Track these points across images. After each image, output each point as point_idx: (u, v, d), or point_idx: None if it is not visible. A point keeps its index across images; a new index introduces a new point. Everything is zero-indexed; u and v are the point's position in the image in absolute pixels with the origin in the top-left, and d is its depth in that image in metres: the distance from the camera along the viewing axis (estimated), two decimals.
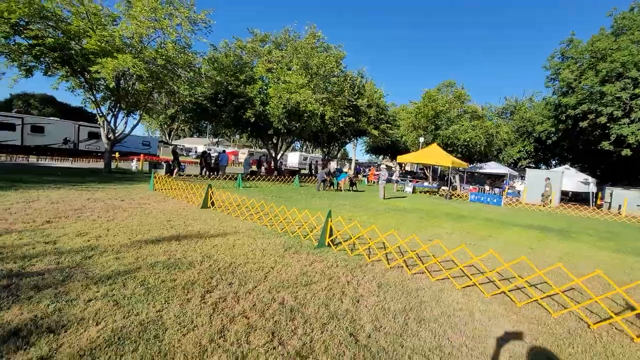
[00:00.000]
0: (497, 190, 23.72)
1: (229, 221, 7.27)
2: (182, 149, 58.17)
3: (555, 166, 29.55)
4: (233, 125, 22.76)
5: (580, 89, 19.29)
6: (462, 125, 22.78)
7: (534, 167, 29.18)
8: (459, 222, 10.10)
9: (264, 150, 28.91)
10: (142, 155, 26.05)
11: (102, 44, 12.50)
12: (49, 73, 13.86)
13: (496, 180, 27.87)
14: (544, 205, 17.89)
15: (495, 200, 18.10)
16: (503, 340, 3.08)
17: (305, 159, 46.70)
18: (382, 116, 28.24)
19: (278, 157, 26.35)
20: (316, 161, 38.18)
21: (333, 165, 49.67)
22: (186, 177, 17.23)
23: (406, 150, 28.24)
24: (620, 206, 17.43)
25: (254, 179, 20.07)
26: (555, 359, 2.84)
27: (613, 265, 6.37)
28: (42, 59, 13.12)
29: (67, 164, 21.34)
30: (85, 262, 4.03)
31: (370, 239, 5.89)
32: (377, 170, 27.72)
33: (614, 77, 18.07)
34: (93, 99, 15.37)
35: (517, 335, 3.18)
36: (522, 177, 25.39)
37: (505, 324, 3.40)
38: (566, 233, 9.80)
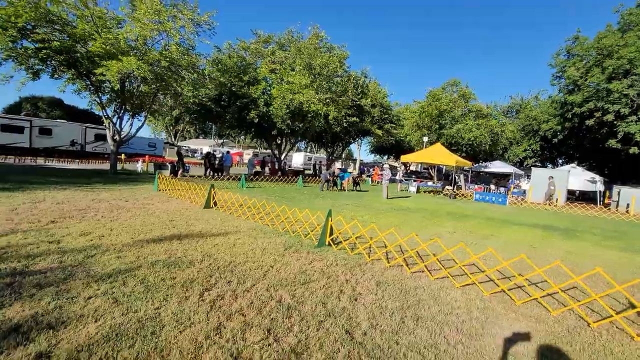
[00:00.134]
0: (502, 189, 23.52)
1: (230, 221, 7.32)
2: (187, 150, 58.66)
3: (562, 165, 29.21)
4: (237, 126, 22.89)
5: (586, 86, 19.04)
6: (467, 124, 22.63)
7: (540, 166, 28.92)
8: (461, 222, 10.05)
9: (268, 151, 29.02)
10: (147, 156, 26.30)
11: (107, 47, 12.66)
12: (56, 76, 14.07)
13: (502, 179, 27.65)
14: (547, 204, 17.72)
15: (500, 200, 17.95)
16: (499, 338, 3.06)
17: (310, 159, 46.71)
18: (386, 116, 28.16)
19: (282, 158, 26.42)
20: (320, 161, 38.19)
21: (338, 165, 49.69)
22: (189, 178, 17.36)
23: (410, 150, 28.14)
24: (628, 205, 17.17)
25: (257, 180, 20.16)
26: (552, 357, 2.82)
27: (619, 264, 6.30)
28: (48, 62, 13.34)
29: (73, 165, 21.64)
30: (87, 261, 4.10)
31: (370, 238, 5.89)
32: (380, 170, 27.66)
33: (620, 74, 17.82)
34: (99, 101, 15.57)
35: (514, 333, 3.17)
36: (528, 176, 25.14)
37: (503, 322, 3.38)
38: (571, 232, 9.70)
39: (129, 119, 17.02)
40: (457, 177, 25.31)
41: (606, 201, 22.73)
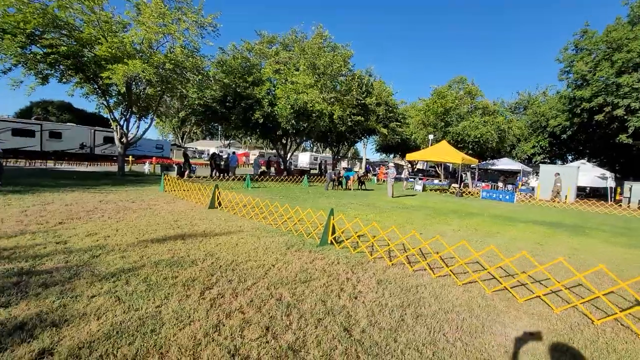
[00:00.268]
0: (510, 187, 23.24)
1: (234, 221, 7.38)
2: (194, 151, 59.21)
3: (571, 161, 28.72)
4: (242, 127, 23.00)
5: (595, 80, 18.67)
6: (473, 121, 22.38)
7: (549, 163, 28.46)
8: (466, 219, 9.96)
9: (274, 151, 29.15)
10: (154, 158, 26.61)
11: (113, 51, 12.86)
12: (64, 80, 14.35)
13: (509, 176, 27.30)
14: (553, 201, 17.47)
15: (507, 197, 17.75)
16: (500, 335, 3.04)
17: (316, 159, 46.79)
18: (391, 114, 28.01)
19: (287, 158, 26.49)
20: (325, 161, 38.19)
21: (344, 164, 49.65)
22: (195, 179, 17.51)
23: (417, 148, 27.96)
24: None
25: (263, 180, 20.25)
26: (552, 354, 2.79)
27: (627, 261, 6.19)
28: (56, 67, 13.60)
29: (82, 168, 22.01)
30: (92, 261, 4.18)
31: (373, 236, 5.88)
32: (386, 169, 27.52)
33: (630, 67, 17.44)
34: (106, 104, 15.83)
35: (515, 331, 3.14)
36: (537, 173, 24.78)
37: (504, 320, 3.36)
38: (579, 229, 9.54)
39: (135, 121, 17.25)
40: (463, 175, 25.06)
41: (617, 197, 22.30)
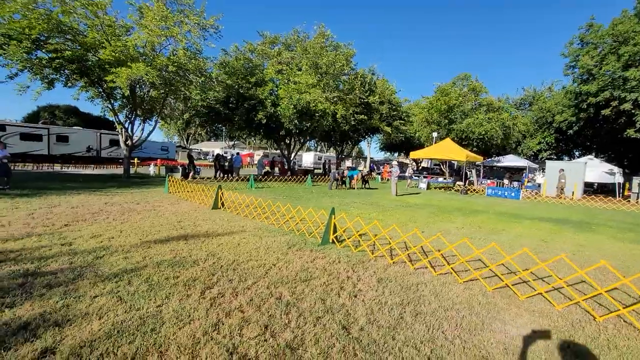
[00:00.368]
0: (516, 183, 23.01)
1: (237, 221, 7.43)
2: (199, 152, 59.59)
3: (578, 157, 28.33)
4: (246, 128, 23.09)
5: (601, 75, 18.40)
6: (477, 118, 22.22)
7: (555, 159, 28.11)
8: (471, 217, 9.90)
9: (279, 151, 29.24)
10: (159, 160, 26.85)
11: (117, 54, 13.00)
12: (69, 84, 14.54)
13: (515, 173, 27.03)
14: (560, 198, 17.28)
15: (513, 194, 17.59)
16: (499, 333, 3.03)
17: (320, 158, 46.78)
18: (395, 112, 27.93)
19: (291, 158, 26.55)
20: (329, 160, 38.18)
21: (348, 163, 49.58)
22: (199, 180, 17.63)
23: (421, 146, 27.82)
24: None
25: (266, 180, 20.32)
26: (551, 350, 2.77)
27: (634, 257, 6.10)
28: (61, 71, 13.79)
29: (88, 170, 22.29)
30: (96, 262, 4.24)
31: (375, 235, 5.88)
32: (390, 168, 27.44)
33: (637, 61, 17.15)
34: (111, 108, 16.01)
35: (515, 328, 3.13)
36: (543, 170, 24.50)
37: (504, 317, 3.34)
38: (585, 225, 9.43)
39: (140, 123, 17.42)
40: (468, 173, 24.89)
41: (626, 193, 21.97)
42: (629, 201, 17.33)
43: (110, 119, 16.75)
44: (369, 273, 4.43)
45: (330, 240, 5.81)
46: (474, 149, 23.32)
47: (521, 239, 7.20)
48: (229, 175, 20.20)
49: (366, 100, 23.96)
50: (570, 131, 24.17)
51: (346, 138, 30.89)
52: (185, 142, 71.36)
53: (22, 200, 8.45)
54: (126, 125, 16.47)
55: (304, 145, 31.18)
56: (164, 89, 15.48)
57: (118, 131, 16.68)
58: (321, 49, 20.50)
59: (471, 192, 19.50)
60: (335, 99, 20.26)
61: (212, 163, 29.66)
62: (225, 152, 43.51)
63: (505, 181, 23.58)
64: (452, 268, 4.65)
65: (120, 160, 28.01)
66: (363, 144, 60.95)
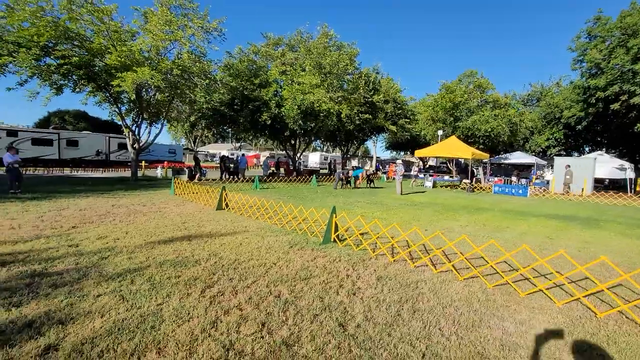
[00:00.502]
0: (524, 181, 22.73)
1: (240, 221, 7.50)
2: (206, 154, 60.14)
3: (589, 153, 27.83)
4: (251, 129, 23.25)
5: (609, 68, 18.05)
6: (483, 115, 21.99)
7: (564, 155, 27.66)
8: (475, 215, 9.83)
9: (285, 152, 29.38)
10: (165, 162, 27.19)
11: (122, 59, 13.22)
12: (77, 90, 14.84)
13: (523, 170, 26.70)
14: (568, 194, 17.02)
15: (520, 192, 17.37)
16: (496, 329, 3.02)
17: (326, 158, 46.82)
18: (400, 111, 27.79)
19: (296, 158, 26.62)
20: (334, 160, 38.18)
21: (354, 163, 49.50)
22: (205, 182, 17.81)
23: (427, 145, 27.63)
24: None
25: (272, 180, 20.43)
26: (547, 347, 2.76)
27: (639, 253, 5.99)
28: (69, 77, 14.08)
29: (97, 174, 22.68)
30: (101, 262, 4.34)
31: (377, 234, 5.89)
32: (395, 167, 27.33)
33: None
34: (118, 112, 16.28)
35: (513, 325, 3.12)
36: (552, 166, 24.15)
37: (503, 314, 3.33)
38: (593, 222, 9.28)
39: (146, 127, 17.69)
40: (475, 170, 24.66)
41: (638, 189, 21.53)
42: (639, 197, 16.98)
43: (118, 122, 17.02)
44: (369, 271, 4.45)
45: (332, 239, 5.84)
46: (480, 146, 23.07)
47: (526, 236, 7.12)
48: (235, 176, 20.36)
49: (370, 99, 23.89)
50: (579, 127, 23.75)
51: (351, 138, 30.83)
52: (193, 145, 72.03)
53: (33, 204, 8.66)
54: (133, 129, 16.73)
55: (309, 145, 31.22)
56: (169, 92, 15.69)
57: (125, 135, 16.95)
58: (324, 49, 20.52)
59: (478, 190, 19.32)
60: (339, 99, 20.27)
61: (217, 165, 29.92)
62: (232, 154, 43.84)
63: (513, 178, 23.30)
64: (452, 265, 4.64)
65: (129, 163, 28.47)
66: (369, 144, 60.88)
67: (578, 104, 22.97)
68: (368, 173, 19.46)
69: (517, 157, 25.10)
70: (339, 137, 29.66)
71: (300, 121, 19.87)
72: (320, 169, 40.86)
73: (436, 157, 30.86)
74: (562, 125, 26.18)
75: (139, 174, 19.76)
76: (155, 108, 17.26)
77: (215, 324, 2.86)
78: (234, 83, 19.07)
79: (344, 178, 17.79)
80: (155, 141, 18.68)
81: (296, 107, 18.95)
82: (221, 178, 20.24)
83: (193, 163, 21.11)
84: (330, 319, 3.06)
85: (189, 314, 3.03)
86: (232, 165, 21.41)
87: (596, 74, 19.83)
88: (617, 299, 3.44)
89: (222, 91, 18.65)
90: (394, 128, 26.36)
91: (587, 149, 30.39)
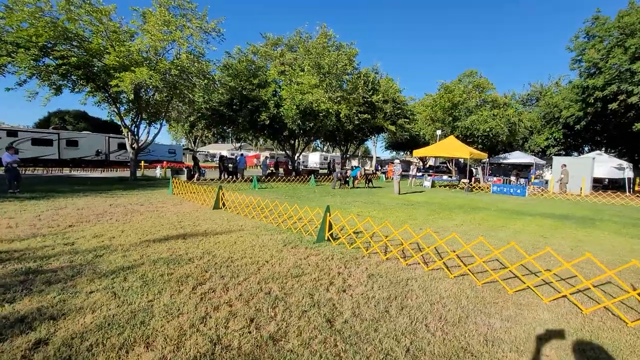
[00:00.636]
0: (523, 180, 22.75)
1: (236, 220, 7.55)
2: (207, 154, 60.26)
3: (588, 152, 27.82)
4: (250, 129, 23.30)
5: (607, 68, 18.05)
6: (481, 115, 22.01)
7: (564, 155, 27.65)
8: (471, 214, 9.86)
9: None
10: (165, 162, 27.25)
11: (121, 59, 13.28)
12: (76, 90, 14.90)
13: (522, 170, 26.71)
14: (562, 194, 17.05)
15: (519, 191, 17.39)
16: (482, 325, 3.07)
17: (326, 158, 46.88)
18: (399, 111, 27.82)
19: (296, 158, 26.67)
20: (334, 160, 38.22)
21: (354, 163, 49.53)
22: (203, 182, 17.86)
23: (426, 145, 27.64)
24: None
25: (271, 180, 20.47)
26: (530, 342, 2.80)
27: (633, 252, 6.03)
28: (68, 77, 14.14)
29: (96, 174, 22.75)
30: (95, 260, 4.39)
31: (372, 233, 5.93)
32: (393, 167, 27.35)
33: None
34: (117, 112, 16.34)
35: (499, 321, 3.16)
36: (551, 166, 24.16)
37: (490, 310, 3.37)
38: (588, 221, 9.31)
39: (145, 127, 17.76)
40: (474, 170, 24.68)
41: (637, 188, 21.55)
42: (638, 196, 17.00)
43: (118, 122, 17.08)
44: (360, 269, 4.49)
45: (326, 238, 5.89)
46: (479, 146, 23.08)
47: (520, 235, 7.16)
48: (234, 176, 20.42)
49: (370, 99, 23.92)
50: (578, 126, 23.72)
51: (351, 137, 30.88)
52: (193, 145, 72.10)
53: (31, 203, 8.72)
54: (132, 129, 16.79)
55: (308, 145, 31.26)
56: (167, 92, 15.75)
57: (124, 135, 17.01)
58: (323, 49, 20.54)
59: (476, 189, 19.35)
60: (338, 99, 20.31)
61: (216, 165, 29.99)
62: (233, 154, 43.92)
63: (512, 178, 23.32)
64: (443, 263, 4.69)
65: (129, 164, 28.56)
66: (370, 144, 60.96)
67: (577, 104, 22.96)
68: (367, 173, 19.47)
69: (516, 157, 25.13)
70: (338, 137, 29.71)
71: (299, 121, 19.92)
72: (320, 169, 40.90)
73: (435, 157, 30.89)
74: (561, 125, 26.17)
75: (138, 173, 19.82)
76: (154, 108, 17.32)
77: (205, 320, 2.91)
78: (232, 83, 19.13)
79: (342, 178, 17.82)
80: (155, 141, 18.76)
81: (295, 107, 19.00)
82: (220, 178, 20.30)
83: (192, 163, 21.19)
84: (319, 315, 3.10)
85: (179, 310, 3.08)
86: (230, 165, 21.45)
87: (594, 74, 19.84)
88: (602, 296, 3.48)
89: (220, 91, 18.72)
90: (393, 128, 26.40)
91: (586, 148, 30.38)
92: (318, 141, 53.17)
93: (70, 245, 5.04)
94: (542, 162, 26.32)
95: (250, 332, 2.74)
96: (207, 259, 4.62)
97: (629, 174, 20.08)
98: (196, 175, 18.72)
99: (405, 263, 4.77)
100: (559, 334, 2.95)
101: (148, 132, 18.04)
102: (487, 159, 24.86)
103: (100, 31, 13.70)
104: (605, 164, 21.42)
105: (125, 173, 22.73)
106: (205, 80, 16.57)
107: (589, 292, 3.92)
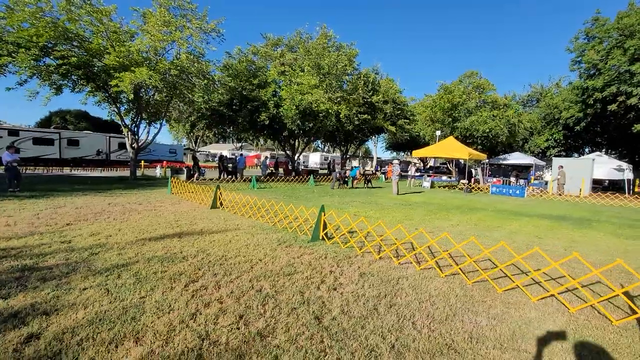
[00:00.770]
0: (522, 181, 22.75)
1: (233, 219, 7.61)
2: (207, 154, 60.41)
3: (589, 154, 27.80)
4: (250, 129, 23.37)
5: (607, 69, 18.08)
6: (481, 116, 22.03)
7: (564, 156, 27.65)
8: (468, 215, 9.89)
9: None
10: (164, 162, 27.34)
11: (121, 59, 13.37)
12: (77, 90, 15.01)
13: (522, 171, 26.70)
14: (559, 195, 17.05)
15: (518, 192, 17.41)
16: (468, 323, 3.11)
17: (327, 159, 46.96)
18: (399, 111, 27.85)
19: (295, 158, 26.72)
20: (334, 160, 38.30)
21: (354, 163, 49.57)
22: (202, 181, 17.93)
23: (426, 145, 27.68)
24: None
25: (270, 180, 20.53)
26: (514, 340, 2.84)
27: (627, 252, 6.06)
28: (69, 77, 14.25)
29: (96, 173, 22.86)
30: (90, 258, 4.45)
31: (367, 232, 5.98)
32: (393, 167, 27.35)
33: None
34: (117, 111, 16.43)
35: (486, 319, 3.20)
36: (551, 167, 24.15)
37: (477, 309, 3.41)
38: (585, 222, 9.34)
39: (145, 127, 17.86)
40: (473, 171, 24.70)
41: (637, 190, 21.53)
42: (638, 198, 16.99)
43: (119, 122, 17.18)
44: (353, 268, 4.54)
45: (320, 237, 5.93)
46: (479, 146, 23.11)
47: (515, 235, 7.19)
48: (233, 176, 20.49)
49: (370, 99, 23.96)
50: (578, 127, 23.74)
51: (350, 138, 30.92)
52: (194, 145, 72.26)
53: (30, 202, 8.79)
54: (132, 129, 16.88)
55: (308, 145, 31.32)
56: (167, 92, 15.83)
57: (125, 134, 17.10)
58: (323, 49, 20.60)
59: (476, 190, 19.36)
60: (338, 99, 20.37)
61: (216, 165, 30.08)
62: (233, 154, 44.03)
63: (512, 179, 23.33)
64: (435, 262, 4.73)
65: (129, 163, 28.67)
66: (371, 144, 61.00)
67: (576, 105, 22.98)
68: (366, 173, 19.51)
69: (516, 158, 25.15)
70: (338, 138, 29.76)
71: (298, 121, 19.99)
72: (321, 169, 41.00)
73: (434, 158, 30.90)
74: (562, 126, 26.18)
75: (138, 173, 19.91)
76: (154, 108, 17.42)
77: (195, 316, 2.96)
78: (232, 83, 19.21)
79: (340, 178, 17.87)
80: (156, 141, 18.86)
81: (294, 107, 19.07)
82: (219, 177, 20.37)
83: (192, 163, 21.26)
84: (307, 312, 3.15)
85: (170, 306, 3.13)
86: (230, 165, 21.53)
87: (594, 75, 19.86)
88: (590, 295, 3.52)
89: (220, 91, 18.80)
90: (393, 128, 26.44)
91: (586, 149, 30.36)
92: (319, 142, 53.29)
93: (67, 243, 5.09)
94: (542, 163, 26.32)
95: (238, 328, 2.79)
96: (201, 257, 4.67)
97: (628, 175, 20.07)
98: (196, 175, 18.80)
99: (397, 262, 4.81)
100: (543, 332, 2.99)
101: (148, 132, 18.18)
102: (487, 160, 24.88)
103: (101, 31, 13.80)
104: (605, 166, 21.42)
105: (126, 172, 22.81)
106: (205, 81, 16.66)
107: (578, 292, 3.96)
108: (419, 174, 24.37)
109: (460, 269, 4.41)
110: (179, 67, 14.53)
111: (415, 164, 32.83)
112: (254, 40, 23.00)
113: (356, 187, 18.31)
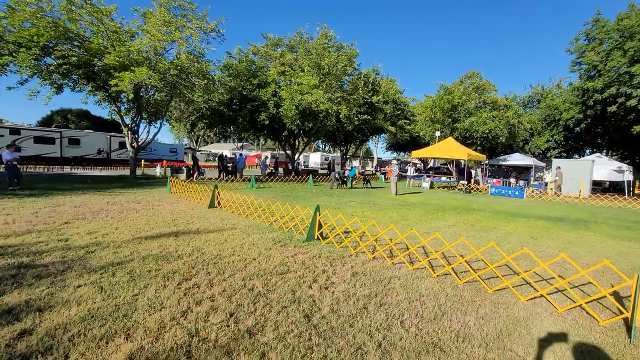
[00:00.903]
0: (522, 182, 22.75)
1: (230, 219, 7.66)
2: (208, 154, 60.51)
3: (589, 155, 27.76)
4: (250, 129, 23.45)
5: (607, 71, 18.06)
6: (481, 116, 22.03)
7: (565, 157, 27.62)
8: (465, 215, 9.92)
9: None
10: (164, 161, 27.42)
11: (121, 59, 13.44)
12: (77, 89, 15.09)
13: (522, 172, 26.68)
14: (557, 196, 17.07)
15: (517, 193, 17.42)
16: (457, 322, 3.14)
17: (327, 159, 46.98)
18: (399, 112, 27.88)
19: (295, 158, 26.78)
20: (333, 160, 38.34)
21: (355, 163, 49.56)
22: (202, 181, 17.99)
23: (427, 146, 27.69)
24: None
25: (269, 180, 20.58)
26: (501, 339, 2.88)
27: (621, 254, 6.08)
28: (69, 76, 14.34)
29: (97, 172, 22.93)
30: (86, 256, 4.50)
31: (362, 232, 6.01)
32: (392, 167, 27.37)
33: None
34: (117, 111, 16.52)
35: (474, 318, 3.23)
36: (551, 168, 24.13)
37: (466, 308, 3.45)
38: (582, 223, 9.36)
39: (145, 126, 17.95)
40: (473, 172, 24.70)
41: (637, 191, 21.49)
42: (637, 199, 16.97)
43: (119, 121, 17.26)
44: (346, 267, 4.58)
45: (315, 237, 5.98)
46: (479, 147, 23.11)
47: (511, 236, 7.22)
48: (234, 175, 20.55)
49: (370, 100, 24.01)
50: (578, 129, 23.72)
51: (351, 138, 30.97)
52: (195, 144, 72.42)
53: (29, 200, 8.86)
54: (132, 128, 16.96)
55: (308, 145, 31.39)
56: (167, 92, 15.90)
57: (125, 133, 17.18)
58: (324, 49, 20.65)
59: (475, 191, 19.38)
60: (338, 99, 20.41)
61: (215, 164, 30.14)
62: (234, 154, 44.11)
63: (512, 180, 23.33)
64: (428, 262, 4.76)
65: (129, 162, 28.76)
66: (371, 144, 61.05)
67: (576, 106, 22.97)
68: (366, 173, 19.54)
69: (516, 159, 25.12)
70: (338, 138, 29.82)
71: (298, 121, 20.04)
72: (321, 169, 41.04)
73: (433, 158, 30.90)
74: (562, 127, 26.16)
75: (138, 172, 19.98)
76: (154, 107, 17.49)
77: (186, 314, 3.01)
78: (232, 83, 19.28)
79: (339, 178, 17.90)
80: (157, 140, 18.95)
81: (294, 107, 19.12)
82: (219, 177, 20.43)
83: (192, 162, 21.32)
84: (297, 311, 3.19)
85: (162, 304, 3.18)
86: (229, 165, 21.59)
87: (594, 76, 19.85)
88: (579, 296, 3.55)
89: (220, 91, 18.88)
90: (393, 129, 26.49)
91: (587, 151, 30.31)
92: (319, 142, 53.35)
93: (64, 242, 5.15)
94: (542, 164, 26.29)
95: (228, 326, 2.84)
96: (195, 256, 4.72)
97: (628, 176, 20.05)
98: (195, 175, 18.86)
99: (391, 262, 4.85)
100: (529, 332, 3.02)
101: (148, 131, 18.24)
102: (487, 161, 24.88)
103: (101, 31, 13.89)
104: (606, 167, 21.41)
105: (126, 171, 22.89)
106: (205, 80, 16.72)
107: (567, 292, 3.99)
108: (417, 174, 24.37)
109: (452, 269, 4.45)
110: (178, 67, 14.60)
111: (415, 164, 32.81)
112: (255, 41, 23.12)
113: (355, 187, 18.35)
